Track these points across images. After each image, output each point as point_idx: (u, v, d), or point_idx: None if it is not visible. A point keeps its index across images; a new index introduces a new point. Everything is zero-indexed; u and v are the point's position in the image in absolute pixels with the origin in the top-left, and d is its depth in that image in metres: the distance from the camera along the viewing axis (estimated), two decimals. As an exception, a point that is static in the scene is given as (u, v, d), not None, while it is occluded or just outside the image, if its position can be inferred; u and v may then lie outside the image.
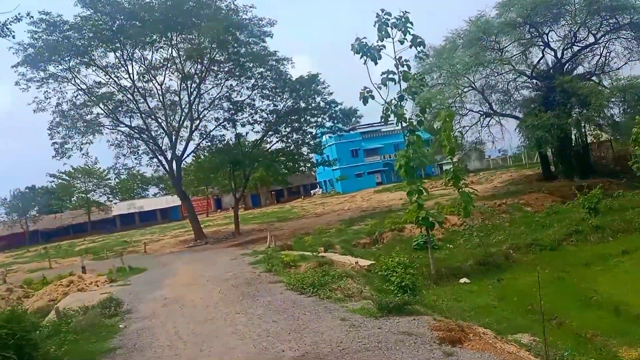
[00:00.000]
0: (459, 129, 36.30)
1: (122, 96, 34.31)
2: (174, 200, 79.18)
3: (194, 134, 36.82)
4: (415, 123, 18.31)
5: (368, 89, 17.36)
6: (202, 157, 37.49)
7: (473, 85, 35.81)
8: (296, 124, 37.24)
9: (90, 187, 76.06)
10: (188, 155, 37.21)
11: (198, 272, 18.80)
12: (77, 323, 10.97)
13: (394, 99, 17.76)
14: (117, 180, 36.11)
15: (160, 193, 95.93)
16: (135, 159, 36.26)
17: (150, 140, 35.86)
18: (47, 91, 32.33)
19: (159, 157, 36.54)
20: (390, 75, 17.38)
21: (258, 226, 41.20)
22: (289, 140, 37.71)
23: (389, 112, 17.67)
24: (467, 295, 15.32)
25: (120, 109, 34.45)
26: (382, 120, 18.16)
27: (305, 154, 37.69)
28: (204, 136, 37.43)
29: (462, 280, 17.07)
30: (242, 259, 21.24)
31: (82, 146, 33.12)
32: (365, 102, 17.20)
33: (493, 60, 34.49)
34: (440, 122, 19.49)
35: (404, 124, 17.96)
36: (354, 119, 37.79)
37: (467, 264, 18.41)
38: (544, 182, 35.91)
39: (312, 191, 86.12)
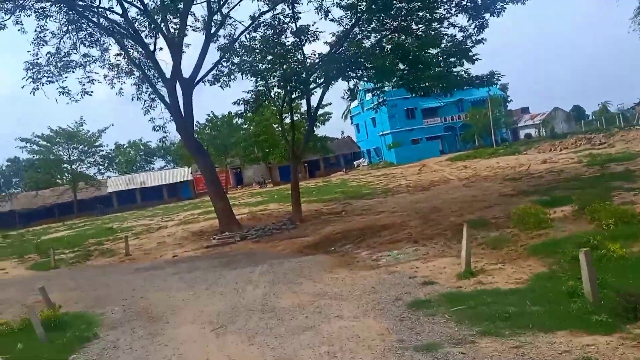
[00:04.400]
0: None
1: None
2: (183, 175, 63.61)
3: (216, 40, 19.88)
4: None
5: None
6: (234, 75, 19.83)
7: None
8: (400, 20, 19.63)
9: (75, 155, 58.28)
10: (206, 75, 20.06)
11: None
12: None
13: None
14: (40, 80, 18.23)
15: (167, 167, 79.63)
16: (88, 46, 19.57)
17: (128, 31, 18.96)
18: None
19: (146, 72, 19.71)
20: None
21: (323, 206, 24.31)
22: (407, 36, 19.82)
23: None
24: None
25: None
26: None
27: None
28: (232, 41, 20.18)
29: None
30: None
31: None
32: None
33: None
34: None
35: None
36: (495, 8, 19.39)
37: None
38: None
39: (355, 162, 68.68)
